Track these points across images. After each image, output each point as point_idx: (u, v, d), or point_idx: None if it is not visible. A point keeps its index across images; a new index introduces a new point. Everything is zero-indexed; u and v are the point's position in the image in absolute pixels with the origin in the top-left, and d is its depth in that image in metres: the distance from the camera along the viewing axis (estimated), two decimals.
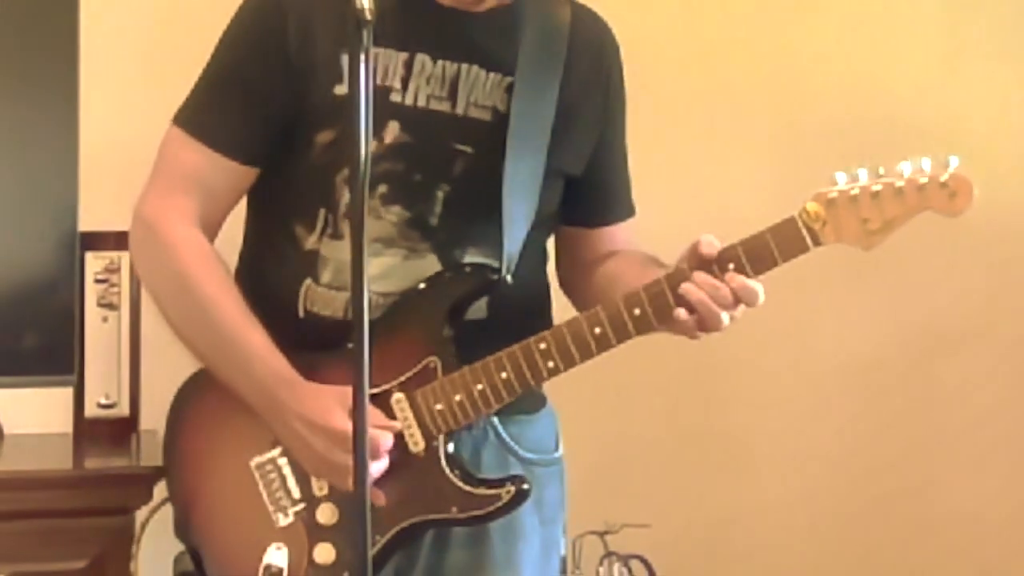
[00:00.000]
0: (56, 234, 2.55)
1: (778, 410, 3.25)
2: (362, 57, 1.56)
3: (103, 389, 2.65)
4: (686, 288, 1.87)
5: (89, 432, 2.64)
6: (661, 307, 1.88)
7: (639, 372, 3.03)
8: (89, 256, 2.56)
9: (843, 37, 3.25)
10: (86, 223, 2.63)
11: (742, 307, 1.88)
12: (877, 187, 1.87)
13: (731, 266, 1.87)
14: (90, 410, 2.65)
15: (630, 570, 2.87)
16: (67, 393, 2.63)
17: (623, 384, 3.08)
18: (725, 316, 1.87)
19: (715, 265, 1.87)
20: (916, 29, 3.29)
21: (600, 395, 3.05)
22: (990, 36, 3.30)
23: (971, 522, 3.29)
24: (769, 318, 3.10)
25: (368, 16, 1.55)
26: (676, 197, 3.06)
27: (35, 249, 2.57)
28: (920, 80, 3.28)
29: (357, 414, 1.55)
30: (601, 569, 2.85)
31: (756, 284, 1.87)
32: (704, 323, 1.87)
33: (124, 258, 2.61)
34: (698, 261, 1.88)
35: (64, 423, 2.66)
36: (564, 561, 2.69)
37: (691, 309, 1.86)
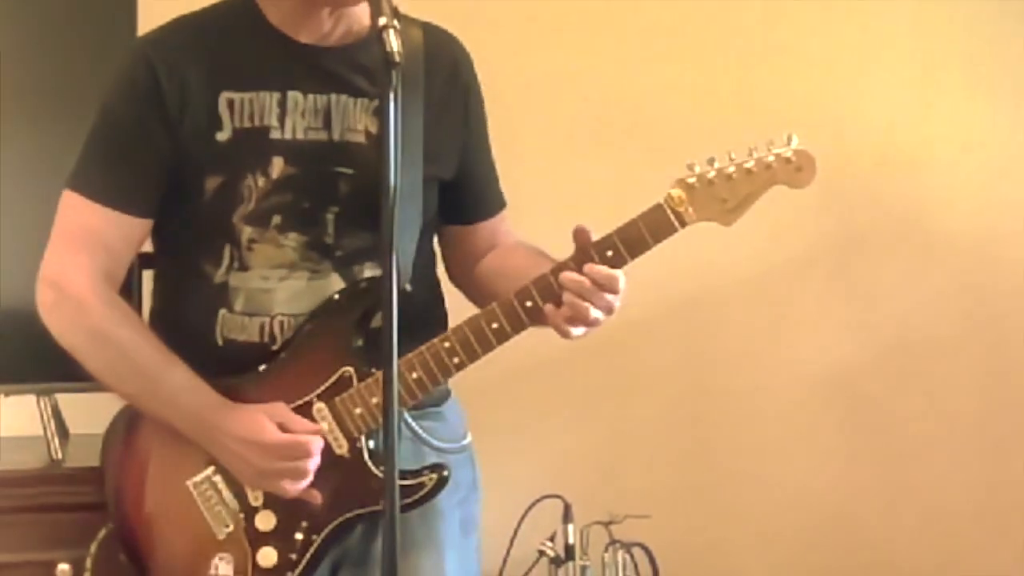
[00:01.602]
0: None
1: (770, 410, 3.35)
2: (391, 96, 1.67)
3: None
4: (561, 282, 1.92)
5: None
6: (551, 298, 1.95)
7: (641, 376, 3.21)
8: (147, 274, 2.47)
9: (819, 73, 3.34)
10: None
11: (616, 302, 1.94)
12: (730, 169, 1.93)
13: (609, 253, 1.94)
14: None
15: (632, 556, 2.96)
16: None
17: (625, 387, 3.27)
18: (593, 311, 1.92)
19: (594, 253, 1.94)
20: (890, 66, 3.38)
21: (604, 398, 3.20)
22: (960, 73, 3.39)
23: (948, 522, 3.39)
24: (761, 325, 3.32)
25: (397, 59, 1.65)
26: None
27: None
28: (893, 113, 3.36)
29: (386, 390, 1.66)
30: (606, 556, 2.93)
31: (614, 272, 1.92)
32: (574, 318, 1.94)
33: None
34: (580, 248, 1.95)
35: None
36: (572, 548, 2.79)
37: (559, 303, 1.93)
